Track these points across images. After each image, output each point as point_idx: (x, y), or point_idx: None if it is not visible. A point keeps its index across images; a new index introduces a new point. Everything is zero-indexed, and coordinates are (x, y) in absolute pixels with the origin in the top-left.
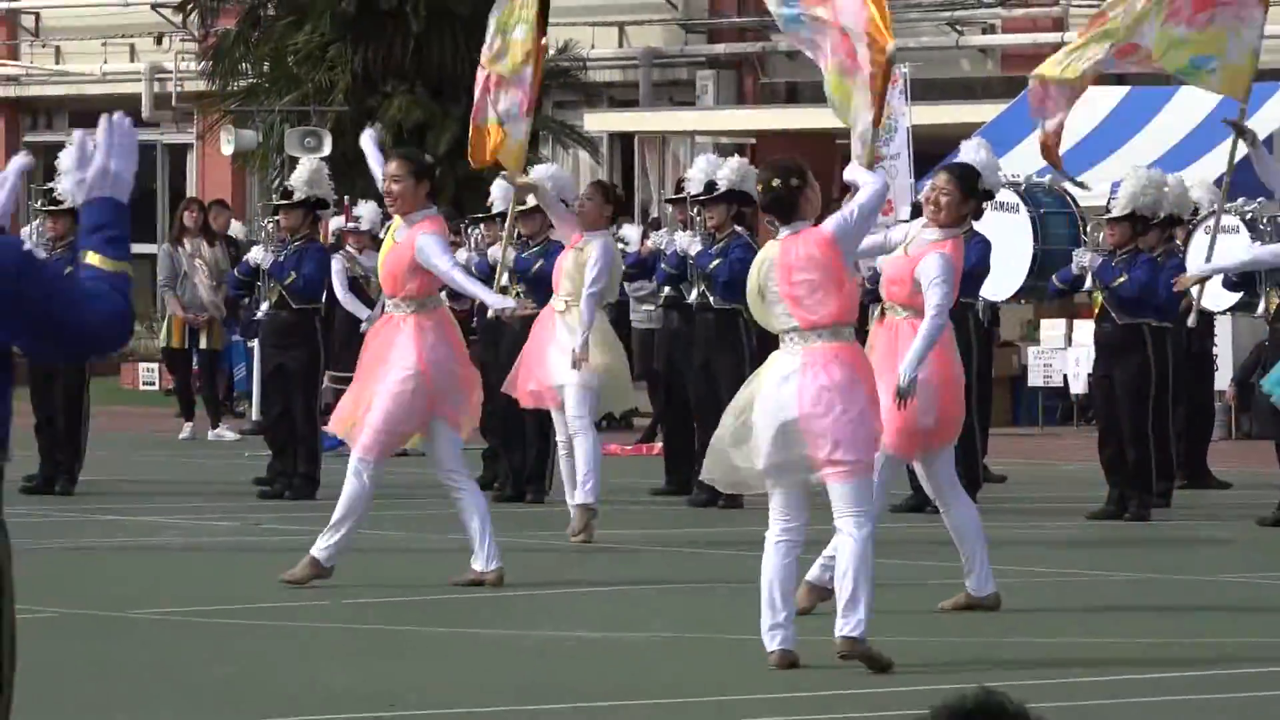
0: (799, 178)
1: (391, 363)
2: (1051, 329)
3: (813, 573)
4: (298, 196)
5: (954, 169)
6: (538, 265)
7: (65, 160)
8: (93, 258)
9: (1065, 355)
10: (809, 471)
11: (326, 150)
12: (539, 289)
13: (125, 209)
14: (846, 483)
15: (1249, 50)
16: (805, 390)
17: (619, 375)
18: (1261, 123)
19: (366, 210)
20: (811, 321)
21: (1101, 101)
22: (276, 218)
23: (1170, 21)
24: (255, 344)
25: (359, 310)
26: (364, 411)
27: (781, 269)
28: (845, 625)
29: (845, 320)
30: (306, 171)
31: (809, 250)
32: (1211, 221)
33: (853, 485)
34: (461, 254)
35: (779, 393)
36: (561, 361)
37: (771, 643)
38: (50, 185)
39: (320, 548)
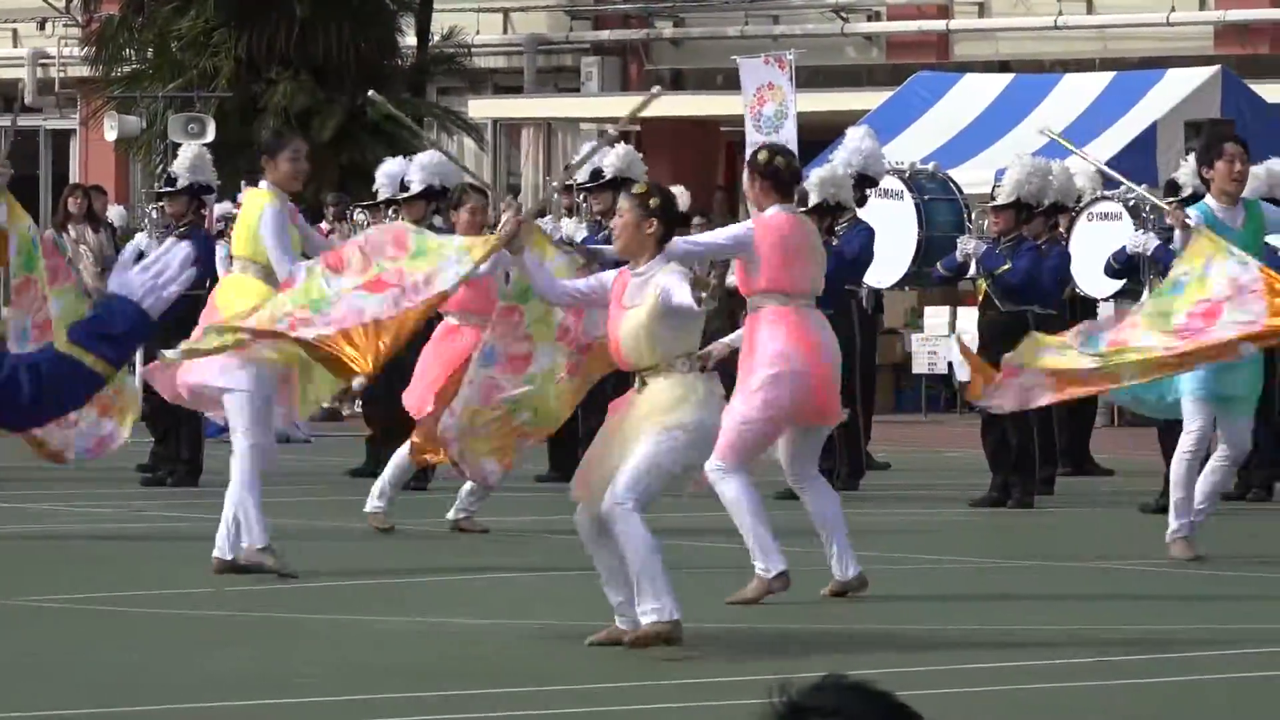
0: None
1: None
2: (935, 316)
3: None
4: (181, 183)
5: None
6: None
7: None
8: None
9: (949, 342)
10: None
11: (210, 136)
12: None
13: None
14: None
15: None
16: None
17: None
18: (1144, 111)
19: None
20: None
21: (986, 88)
22: (160, 204)
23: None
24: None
25: None
26: None
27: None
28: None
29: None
30: (189, 158)
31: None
32: (1095, 208)
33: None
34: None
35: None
36: None
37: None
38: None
39: None
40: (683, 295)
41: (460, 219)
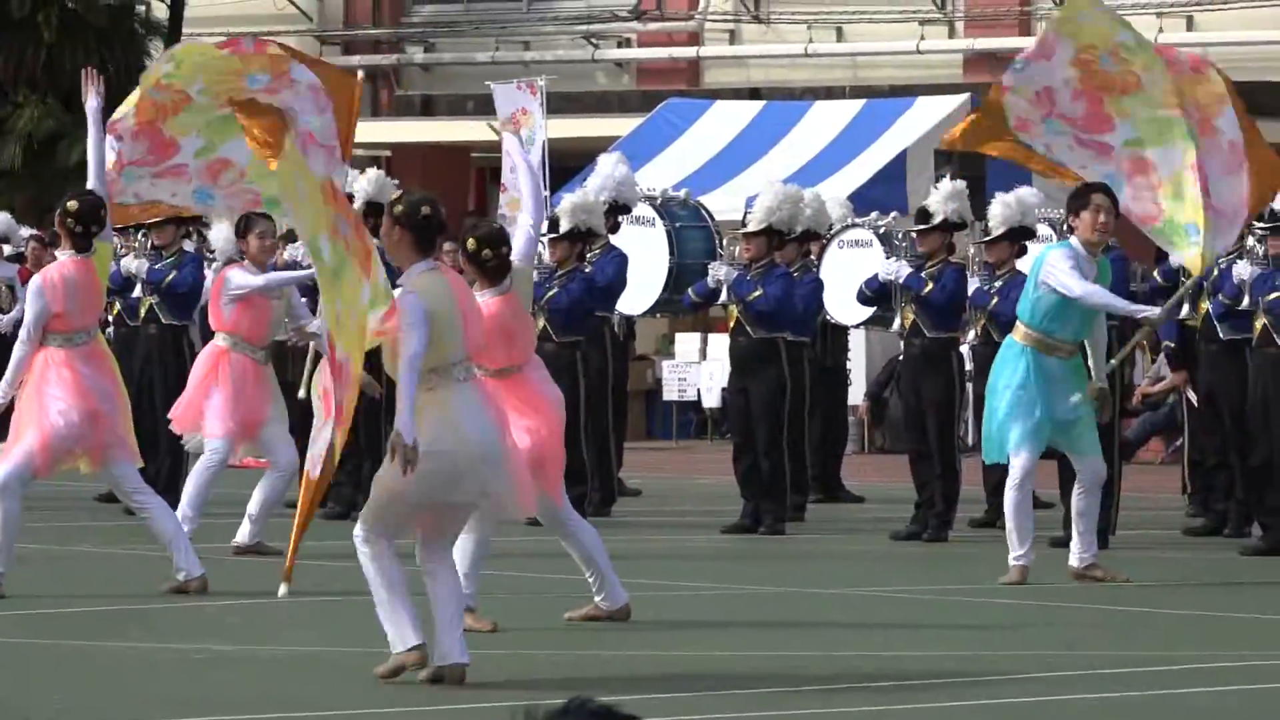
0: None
1: None
2: (686, 343)
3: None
4: None
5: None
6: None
7: None
8: None
9: (700, 369)
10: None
11: None
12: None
13: None
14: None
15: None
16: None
17: None
18: (894, 139)
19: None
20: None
21: (737, 115)
22: None
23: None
24: None
25: None
26: None
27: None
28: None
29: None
30: None
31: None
32: (845, 235)
33: None
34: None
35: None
36: None
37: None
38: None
39: None
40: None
41: (249, 245)
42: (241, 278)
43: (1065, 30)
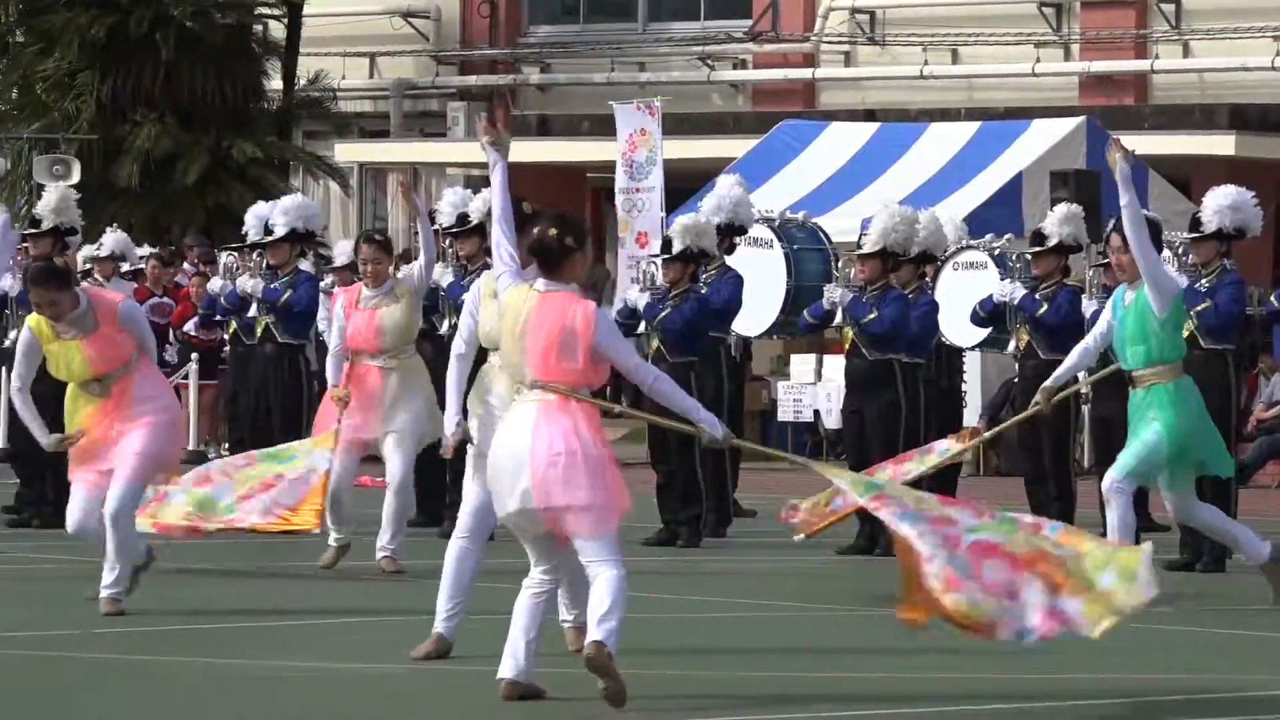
0: (576, 238)
1: None
2: (801, 364)
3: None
4: (46, 225)
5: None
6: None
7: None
8: None
9: (815, 390)
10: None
11: (75, 178)
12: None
13: None
14: (593, 535)
15: None
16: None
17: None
18: (1010, 161)
19: (110, 239)
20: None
21: (852, 137)
22: (25, 245)
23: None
24: (2, 371)
25: None
26: None
27: (535, 324)
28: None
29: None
30: (54, 199)
31: (567, 321)
32: (960, 257)
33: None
34: (215, 283)
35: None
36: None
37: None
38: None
39: None
40: None
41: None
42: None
43: None
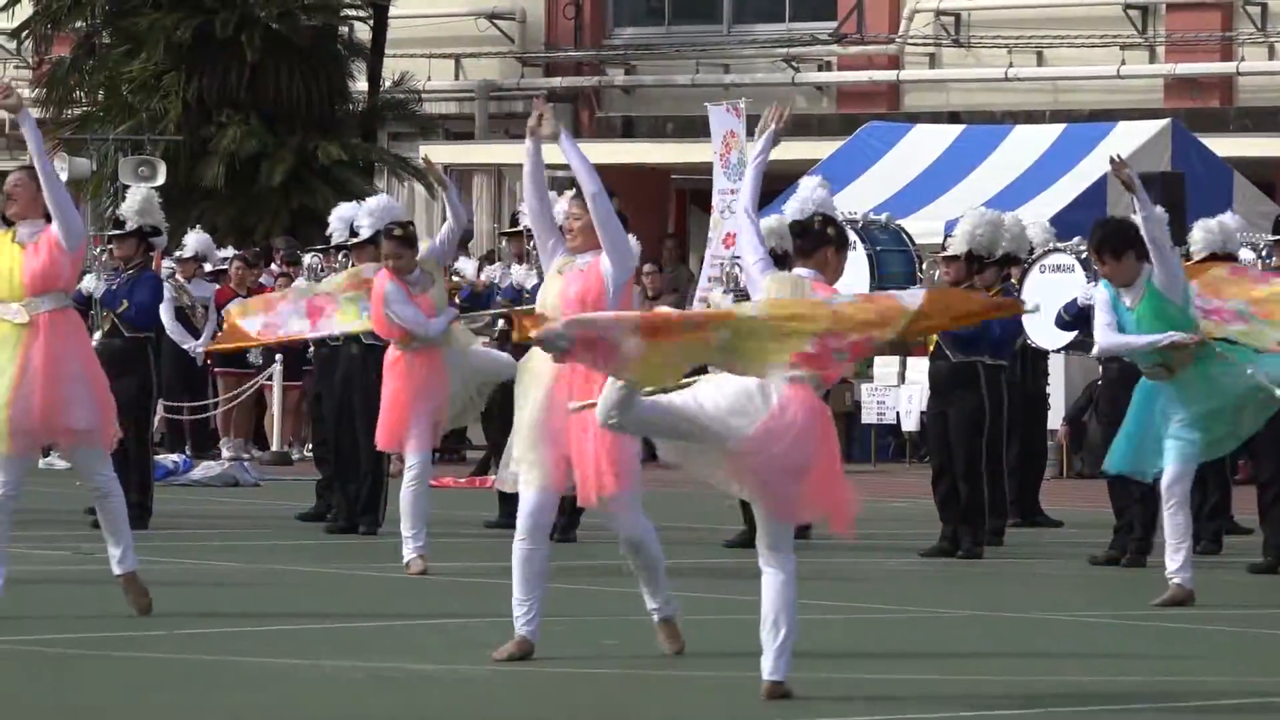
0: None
1: None
2: (885, 366)
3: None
4: (130, 225)
5: (580, 199)
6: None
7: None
8: None
9: (898, 392)
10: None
11: (160, 179)
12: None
13: None
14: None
15: None
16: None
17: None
18: (1094, 163)
19: (193, 239)
20: None
21: (937, 139)
22: (109, 246)
23: None
24: None
25: (184, 339)
26: None
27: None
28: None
29: None
30: (138, 200)
31: None
32: (1047, 260)
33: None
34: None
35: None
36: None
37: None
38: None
39: None
40: None
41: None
42: (401, 308)
43: None
